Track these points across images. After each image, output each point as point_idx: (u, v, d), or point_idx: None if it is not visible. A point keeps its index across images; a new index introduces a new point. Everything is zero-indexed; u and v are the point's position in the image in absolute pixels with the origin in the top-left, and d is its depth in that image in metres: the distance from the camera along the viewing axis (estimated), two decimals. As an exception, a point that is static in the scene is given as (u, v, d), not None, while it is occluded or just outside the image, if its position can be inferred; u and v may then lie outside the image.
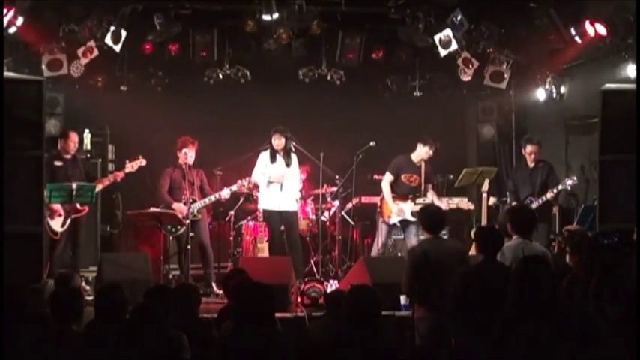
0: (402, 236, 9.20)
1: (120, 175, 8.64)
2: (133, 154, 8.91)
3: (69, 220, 8.28)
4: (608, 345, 4.04)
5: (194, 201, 8.66)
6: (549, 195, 8.58)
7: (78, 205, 8.27)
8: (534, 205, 8.49)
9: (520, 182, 8.96)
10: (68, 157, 8.55)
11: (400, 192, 8.96)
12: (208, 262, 8.87)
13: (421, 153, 8.93)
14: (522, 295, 4.29)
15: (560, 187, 8.61)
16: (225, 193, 8.79)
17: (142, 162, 8.72)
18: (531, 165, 8.89)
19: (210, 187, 9.07)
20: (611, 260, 5.00)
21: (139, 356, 4.42)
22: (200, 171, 8.95)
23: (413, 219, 8.73)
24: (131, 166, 8.66)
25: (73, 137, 8.60)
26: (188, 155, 8.68)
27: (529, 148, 8.92)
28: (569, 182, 8.61)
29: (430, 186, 9.09)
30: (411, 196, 8.94)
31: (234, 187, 8.80)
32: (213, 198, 8.78)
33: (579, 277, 5.01)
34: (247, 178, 8.84)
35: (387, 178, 8.98)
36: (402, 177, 8.97)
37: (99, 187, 8.54)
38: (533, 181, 8.79)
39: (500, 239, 5.58)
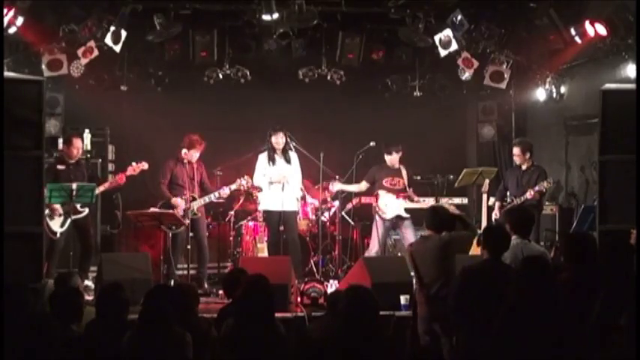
0: (400, 236, 9.25)
1: (122, 178, 8.58)
2: (133, 155, 8.89)
3: (68, 221, 8.27)
4: (609, 345, 4.04)
5: (194, 199, 8.66)
6: (528, 194, 8.44)
7: (78, 206, 8.26)
8: (515, 203, 8.47)
9: (510, 183, 8.93)
10: (72, 161, 8.53)
11: None
12: (204, 262, 8.83)
13: (391, 159, 9.05)
14: (522, 295, 4.30)
15: (537, 187, 8.43)
16: (225, 192, 8.76)
17: (145, 166, 8.69)
18: (524, 167, 8.84)
19: (209, 184, 9.05)
20: (611, 260, 5.00)
21: (143, 354, 4.42)
22: (200, 164, 8.88)
23: (407, 215, 8.97)
24: (133, 170, 8.64)
25: (76, 143, 8.55)
26: (193, 156, 8.67)
27: (513, 150, 8.96)
28: (544, 184, 8.45)
29: (411, 189, 9.14)
30: (401, 194, 9.05)
31: (233, 186, 8.75)
32: (212, 197, 8.75)
33: (577, 277, 5.01)
34: (246, 177, 8.80)
35: (361, 185, 9.15)
36: (384, 182, 9.06)
37: (99, 190, 8.52)
38: (523, 182, 8.73)
39: (507, 241, 5.50)
